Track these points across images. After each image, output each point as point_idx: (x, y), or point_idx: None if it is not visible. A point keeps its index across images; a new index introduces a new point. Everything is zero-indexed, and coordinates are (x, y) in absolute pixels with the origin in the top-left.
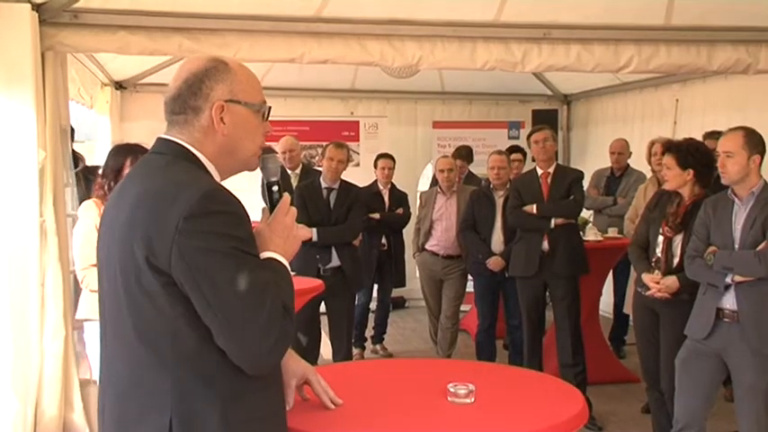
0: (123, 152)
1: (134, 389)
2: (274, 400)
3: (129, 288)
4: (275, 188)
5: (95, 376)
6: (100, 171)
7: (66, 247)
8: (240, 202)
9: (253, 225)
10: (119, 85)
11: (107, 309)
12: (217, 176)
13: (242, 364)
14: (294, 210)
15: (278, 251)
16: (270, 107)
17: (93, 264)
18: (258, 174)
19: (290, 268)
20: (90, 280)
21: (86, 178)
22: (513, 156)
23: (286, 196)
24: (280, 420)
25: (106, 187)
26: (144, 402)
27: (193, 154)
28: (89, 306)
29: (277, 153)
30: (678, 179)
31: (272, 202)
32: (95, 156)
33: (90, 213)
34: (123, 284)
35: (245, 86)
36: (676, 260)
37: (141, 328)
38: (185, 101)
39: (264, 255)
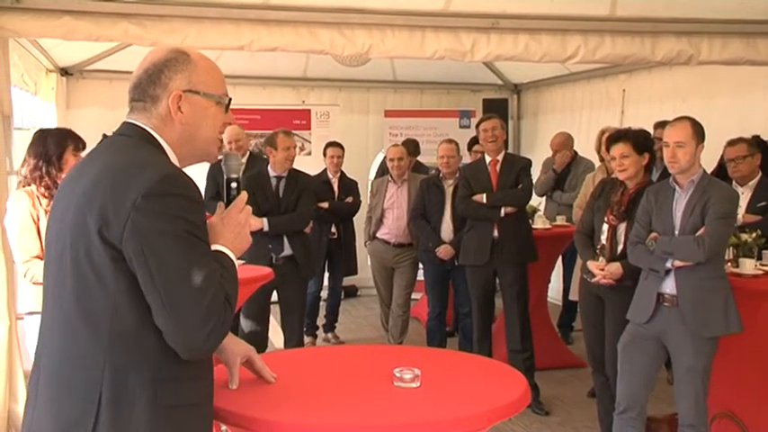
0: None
1: (68, 362)
2: (204, 389)
3: (77, 260)
4: (234, 185)
5: None
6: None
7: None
8: (198, 189)
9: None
10: (64, 72)
11: (51, 279)
12: (177, 163)
13: (177, 347)
14: (249, 208)
15: (227, 245)
16: (230, 99)
17: (34, 255)
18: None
19: (238, 262)
20: (33, 272)
21: None
22: (476, 147)
23: (243, 194)
24: (206, 410)
25: (37, 173)
26: (77, 375)
27: (155, 138)
28: (31, 299)
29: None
30: (636, 165)
31: (228, 198)
32: None
33: (22, 204)
34: (72, 255)
35: (204, 77)
36: (620, 247)
37: (83, 301)
38: (144, 89)
39: (214, 247)
